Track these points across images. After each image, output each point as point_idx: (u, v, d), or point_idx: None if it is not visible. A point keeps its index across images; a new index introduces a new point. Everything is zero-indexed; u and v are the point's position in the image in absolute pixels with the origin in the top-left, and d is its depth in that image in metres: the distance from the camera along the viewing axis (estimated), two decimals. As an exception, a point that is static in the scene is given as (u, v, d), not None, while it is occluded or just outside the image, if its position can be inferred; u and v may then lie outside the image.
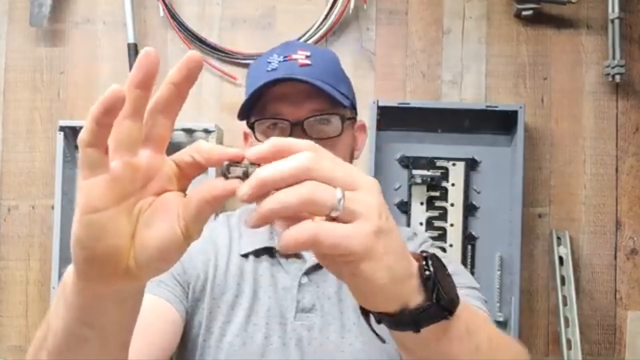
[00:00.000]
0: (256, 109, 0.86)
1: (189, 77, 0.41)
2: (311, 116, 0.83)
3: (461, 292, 0.80)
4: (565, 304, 1.50)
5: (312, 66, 0.84)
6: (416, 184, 1.52)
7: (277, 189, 0.39)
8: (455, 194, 1.53)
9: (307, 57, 0.85)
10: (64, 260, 1.52)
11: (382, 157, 1.53)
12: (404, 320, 0.45)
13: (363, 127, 0.98)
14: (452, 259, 0.91)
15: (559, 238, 1.53)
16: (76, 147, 1.61)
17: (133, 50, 1.56)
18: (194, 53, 0.41)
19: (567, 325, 1.49)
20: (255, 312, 0.84)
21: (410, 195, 1.54)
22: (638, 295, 1.55)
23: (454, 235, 1.52)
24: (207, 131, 1.49)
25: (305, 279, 0.86)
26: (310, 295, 0.85)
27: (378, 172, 1.50)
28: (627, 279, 1.55)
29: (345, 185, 0.40)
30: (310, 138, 0.82)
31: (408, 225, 1.52)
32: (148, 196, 0.42)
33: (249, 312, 0.84)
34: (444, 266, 0.47)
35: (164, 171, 0.43)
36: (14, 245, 1.60)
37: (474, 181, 1.54)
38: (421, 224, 1.53)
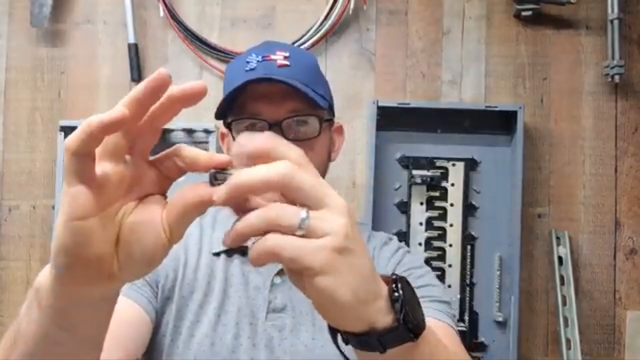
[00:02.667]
0: (234, 109, 0.86)
1: (153, 94, 0.41)
2: (289, 117, 0.83)
3: (432, 306, 0.81)
4: (564, 304, 1.50)
5: (290, 67, 0.84)
6: (416, 184, 1.53)
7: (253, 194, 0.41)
8: (455, 194, 1.53)
9: (285, 57, 0.85)
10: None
11: (382, 157, 1.53)
12: (371, 341, 0.45)
13: (340, 129, 0.98)
14: (425, 271, 0.89)
15: (558, 238, 1.53)
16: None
17: (133, 50, 1.57)
18: (163, 70, 0.41)
19: (566, 325, 1.49)
20: (225, 312, 0.83)
21: (410, 195, 1.54)
22: (637, 295, 1.55)
23: (454, 236, 1.52)
24: (207, 131, 1.49)
25: (278, 279, 0.86)
26: (282, 296, 0.85)
27: (378, 172, 1.50)
28: (626, 279, 1.55)
29: (314, 204, 0.41)
30: (288, 139, 0.82)
31: (408, 225, 1.53)
32: (131, 201, 0.42)
33: (219, 311, 0.83)
34: (412, 290, 0.48)
35: (147, 175, 0.43)
36: (14, 245, 1.60)
37: (474, 181, 1.55)
38: (421, 224, 1.53)
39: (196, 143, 1.54)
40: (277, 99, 0.83)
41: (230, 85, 0.85)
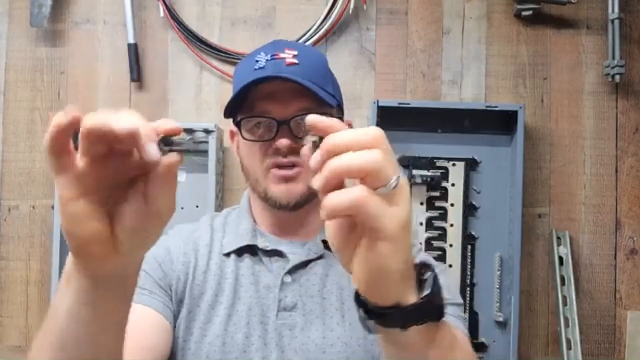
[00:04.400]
0: (243, 108, 0.85)
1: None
2: (297, 115, 0.83)
3: (448, 311, 0.82)
4: (565, 304, 1.50)
5: (299, 65, 0.84)
6: (416, 184, 1.52)
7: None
8: (455, 194, 1.53)
9: (294, 56, 0.85)
10: (64, 261, 1.52)
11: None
12: (394, 316, 0.47)
13: (350, 127, 0.98)
14: (441, 270, 0.89)
15: (559, 238, 1.53)
16: (77, 147, 1.61)
17: (133, 50, 1.57)
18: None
19: (567, 325, 1.49)
20: (236, 311, 0.84)
21: (410, 195, 1.53)
22: (638, 295, 1.55)
23: (454, 236, 1.52)
24: (207, 131, 1.49)
25: (288, 278, 0.86)
26: (292, 294, 0.85)
27: (378, 172, 1.50)
28: (627, 278, 1.55)
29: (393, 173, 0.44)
30: (297, 137, 0.83)
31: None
32: (121, 188, 0.46)
33: (230, 311, 0.84)
34: (437, 277, 0.50)
35: (132, 161, 0.45)
36: (14, 245, 1.60)
37: (474, 181, 1.54)
38: (421, 224, 1.53)
39: (196, 143, 1.54)
40: (286, 98, 0.83)
41: (239, 84, 0.85)
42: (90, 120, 0.42)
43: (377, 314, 0.48)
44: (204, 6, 1.61)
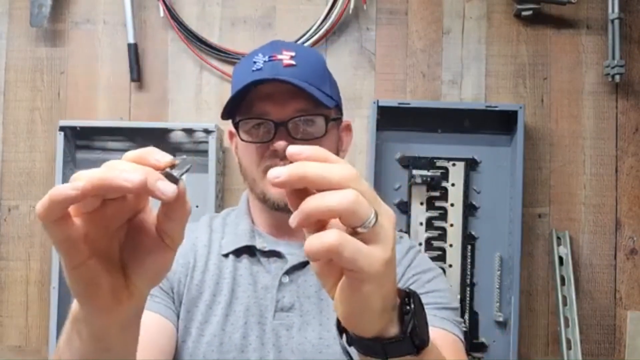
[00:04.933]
0: (241, 109, 0.86)
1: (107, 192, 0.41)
2: (295, 116, 0.83)
3: (439, 315, 0.82)
4: (565, 304, 1.50)
5: (296, 67, 0.84)
6: (416, 184, 1.52)
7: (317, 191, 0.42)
8: (455, 194, 1.53)
9: (291, 57, 0.85)
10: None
11: (382, 157, 1.53)
12: (376, 348, 0.47)
13: (348, 127, 0.98)
14: (434, 274, 0.89)
15: (559, 238, 1.53)
16: (76, 147, 1.62)
17: (133, 50, 1.57)
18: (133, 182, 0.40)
19: (567, 325, 1.49)
20: (233, 311, 0.84)
21: (410, 195, 1.54)
22: (638, 295, 1.55)
23: (454, 236, 1.52)
24: (207, 131, 1.49)
25: (286, 278, 0.86)
26: (290, 294, 0.85)
27: (378, 172, 1.50)
28: (627, 279, 1.55)
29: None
30: (294, 138, 0.83)
31: (408, 225, 1.53)
32: (121, 230, 0.45)
33: (227, 311, 0.84)
34: (422, 306, 0.49)
35: (128, 204, 0.44)
36: (14, 245, 1.60)
37: (474, 181, 1.54)
38: (421, 224, 1.53)
39: (196, 143, 1.54)
40: (283, 99, 0.83)
41: (237, 85, 0.85)
42: (91, 182, 0.39)
43: (358, 344, 0.48)
44: (204, 6, 1.61)
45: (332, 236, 0.40)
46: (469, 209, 1.53)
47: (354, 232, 0.42)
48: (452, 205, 1.53)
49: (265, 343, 0.82)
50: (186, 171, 0.42)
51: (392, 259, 0.44)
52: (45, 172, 1.60)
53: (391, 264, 0.44)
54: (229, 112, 0.87)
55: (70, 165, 1.56)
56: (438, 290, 0.85)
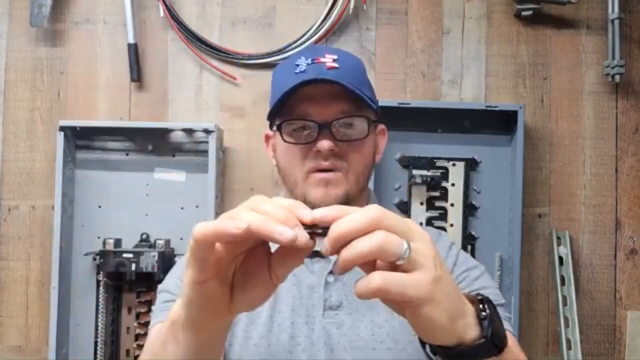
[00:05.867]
0: (282, 111, 0.85)
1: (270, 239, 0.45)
2: (338, 118, 0.83)
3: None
4: (565, 304, 1.50)
5: (339, 69, 0.84)
6: (416, 184, 1.52)
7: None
8: (455, 194, 1.53)
9: (334, 60, 0.85)
10: (64, 261, 1.52)
11: (382, 157, 1.53)
12: (461, 353, 0.51)
13: (384, 132, 0.98)
14: (481, 271, 0.89)
15: (559, 238, 1.53)
16: (76, 147, 1.62)
17: (133, 50, 1.57)
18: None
19: (567, 325, 1.49)
20: (278, 312, 0.84)
21: (410, 195, 1.54)
22: (638, 295, 1.55)
23: (454, 236, 1.52)
24: (207, 131, 1.49)
25: (331, 278, 0.86)
26: (337, 293, 0.85)
27: (378, 172, 1.50)
28: (627, 278, 1.55)
29: (405, 237, 0.46)
30: (337, 139, 0.83)
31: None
32: (242, 255, 0.50)
33: (271, 312, 0.84)
34: (495, 308, 0.54)
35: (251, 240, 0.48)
36: (14, 245, 1.60)
37: (474, 181, 1.54)
38: (421, 224, 1.53)
39: (196, 143, 1.54)
40: (326, 101, 0.83)
41: (282, 88, 0.84)
42: (252, 227, 0.44)
43: (441, 353, 0.52)
44: (204, 6, 1.61)
45: (376, 279, 0.45)
46: (469, 209, 1.53)
47: (395, 266, 0.45)
48: (452, 205, 1.53)
49: (315, 342, 0.82)
50: (313, 232, 0.46)
51: (439, 276, 0.47)
52: (45, 172, 1.60)
53: (440, 281, 0.47)
54: (269, 114, 0.87)
55: (70, 165, 1.56)
56: (487, 287, 0.85)
